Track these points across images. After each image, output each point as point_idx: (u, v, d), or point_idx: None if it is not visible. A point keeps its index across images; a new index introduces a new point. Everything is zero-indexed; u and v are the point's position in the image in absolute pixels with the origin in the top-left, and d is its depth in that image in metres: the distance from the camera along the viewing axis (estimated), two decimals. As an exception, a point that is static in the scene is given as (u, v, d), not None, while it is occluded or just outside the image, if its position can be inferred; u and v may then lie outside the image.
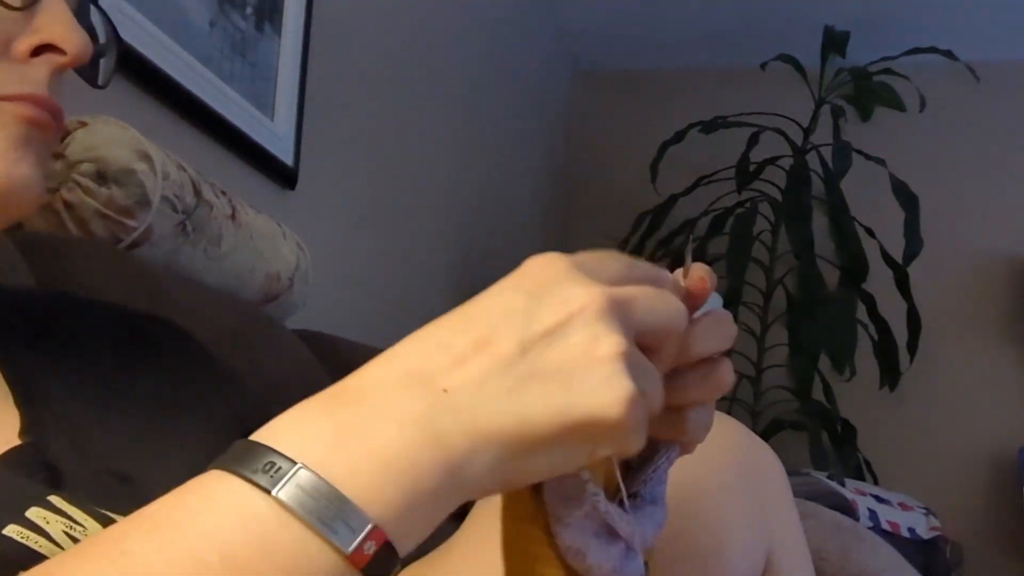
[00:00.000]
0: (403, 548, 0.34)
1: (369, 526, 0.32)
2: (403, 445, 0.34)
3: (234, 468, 0.33)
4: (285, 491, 0.32)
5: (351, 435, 0.34)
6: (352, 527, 0.32)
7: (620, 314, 0.38)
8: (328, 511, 0.32)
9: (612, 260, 0.41)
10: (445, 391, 0.35)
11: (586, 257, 0.40)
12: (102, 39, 0.57)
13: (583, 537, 0.41)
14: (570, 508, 0.41)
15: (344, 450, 0.33)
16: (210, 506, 0.32)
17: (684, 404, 0.43)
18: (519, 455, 0.36)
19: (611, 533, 0.42)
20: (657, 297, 0.40)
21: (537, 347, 0.36)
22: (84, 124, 1.00)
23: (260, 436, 0.34)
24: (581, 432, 0.36)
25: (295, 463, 0.32)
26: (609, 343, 0.36)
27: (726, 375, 0.43)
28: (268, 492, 0.32)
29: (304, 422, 0.35)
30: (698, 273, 0.43)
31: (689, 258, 0.44)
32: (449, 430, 0.35)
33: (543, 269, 0.39)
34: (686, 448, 0.46)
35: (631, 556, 0.43)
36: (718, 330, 0.43)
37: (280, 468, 0.32)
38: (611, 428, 0.36)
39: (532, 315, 0.37)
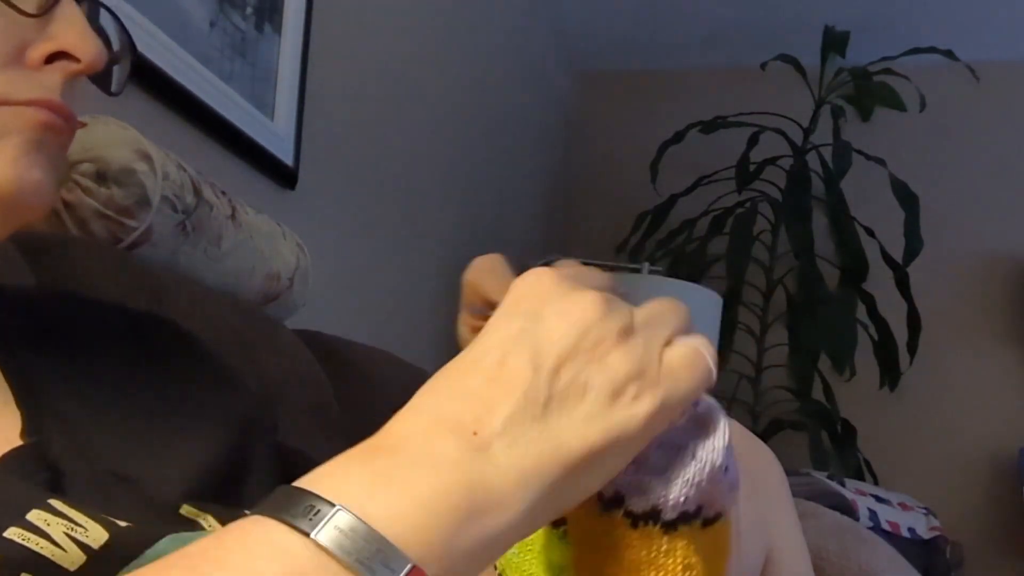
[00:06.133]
0: None
1: (409, 566, 0.33)
2: (441, 489, 0.34)
3: (274, 513, 0.33)
4: (324, 533, 0.32)
5: (389, 480, 0.34)
6: (392, 568, 0.32)
7: (616, 308, 0.39)
8: (366, 552, 0.32)
9: (588, 270, 0.42)
10: (475, 434, 0.36)
11: (567, 269, 0.41)
12: (116, 47, 0.57)
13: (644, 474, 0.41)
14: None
15: (382, 494, 0.34)
16: (247, 545, 0.33)
17: None
18: (559, 483, 0.37)
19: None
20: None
21: (547, 365, 0.37)
22: (84, 124, 1.00)
23: (300, 483, 0.35)
24: (613, 448, 0.37)
25: (334, 505, 0.33)
26: (623, 353, 0.38)
27: None
28: (307, 535, 0.32)
29: (343, 472, 0.35)
30: None
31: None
32: (486, 473, 0.35)
33: (531, 287, 0.39)
34: None
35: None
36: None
37: (319, 511, 0.33)
38: (639, 440, 0.38)
39: (534, 334, 0.37)
